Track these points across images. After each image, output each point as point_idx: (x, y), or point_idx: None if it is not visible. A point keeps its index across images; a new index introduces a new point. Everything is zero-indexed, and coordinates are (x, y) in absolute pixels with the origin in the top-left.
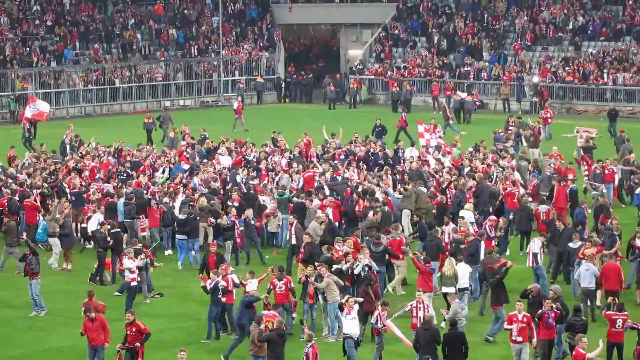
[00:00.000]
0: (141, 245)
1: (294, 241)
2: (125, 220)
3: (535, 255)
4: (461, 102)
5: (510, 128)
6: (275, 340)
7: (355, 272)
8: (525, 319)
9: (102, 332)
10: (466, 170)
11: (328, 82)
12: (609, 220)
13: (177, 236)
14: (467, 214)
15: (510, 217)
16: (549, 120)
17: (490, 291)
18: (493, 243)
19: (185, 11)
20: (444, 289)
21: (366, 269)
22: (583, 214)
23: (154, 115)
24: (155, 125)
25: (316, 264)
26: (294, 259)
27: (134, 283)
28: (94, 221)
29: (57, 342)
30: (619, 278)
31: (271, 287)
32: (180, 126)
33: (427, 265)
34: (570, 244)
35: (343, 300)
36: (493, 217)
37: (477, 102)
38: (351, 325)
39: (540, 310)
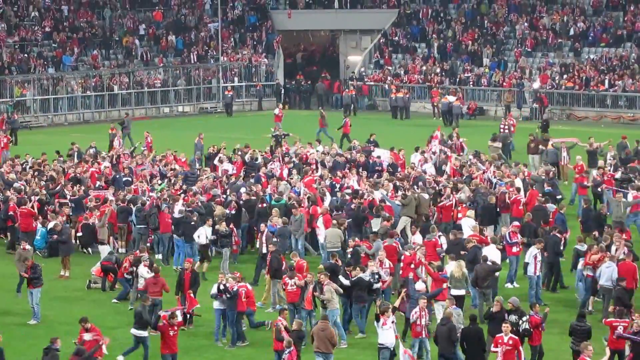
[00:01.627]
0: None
1: (264, 250)
2: (138, 226)
3: (526, 264)
4: (449, 105)
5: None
6: (294, 341)
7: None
8: (511, 342)
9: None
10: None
11: (321, 87)
12: (623, 233)
13: (175, 237)
14: (468, 221)
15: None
16: (512, 129)
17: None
18: (514, 249)
19: (184, 17)
20: (453, 292)
21: (376, 277)
22: (562, 219)
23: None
24: (118, 135)
25: (319, 273)
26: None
27: None
28: (202, 234)
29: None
30: (634, 277)
31: (283, 286)
32: (143, 133)
33: (440, 273)
34: (577, 246)
35: (379, 311)
36: (517, 223)
37: (462, 105)
38: (387, 335)
39: (539, 319)
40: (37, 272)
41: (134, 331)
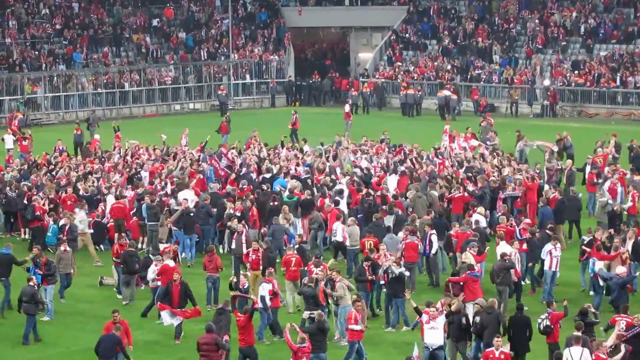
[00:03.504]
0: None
1: (243, 250)
2: (148, 222)
3: (542, 260)
4: (445, 99)
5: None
6: (314, 332)
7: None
8: (502, 356)
9: (125, 337)
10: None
11: (327, 84)
12: None
13: (173, 228)
14: (479, 217)
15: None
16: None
17: None
18: (524, 246)
19: (195, 14)
20: None
21: (395, 272)
22: (549, 211)
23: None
24: (84, 137)
25: (329, 270)
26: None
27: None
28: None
29: (67, 346)
30: None
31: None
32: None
33: (469, 272)
34: (584, 237)
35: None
36: (528, 220)
37: (458, 99)
38: (429, 335)
39: (560, 314)
40: (51, 269)
41: (306, 314)
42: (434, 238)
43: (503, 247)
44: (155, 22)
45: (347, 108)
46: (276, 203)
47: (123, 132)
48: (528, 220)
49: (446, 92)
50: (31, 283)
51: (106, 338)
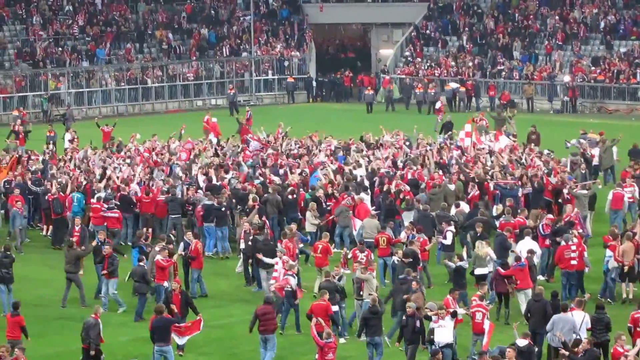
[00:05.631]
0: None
1: (242, 246)
2: (172, 216)
3: None
4: (453, 92)
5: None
6: (368, 317)
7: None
8: None
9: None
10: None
11: (339, 81)
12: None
13: (205, 224)
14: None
15: None
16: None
17: None
18: (547, 242)
19: (213, 11)
20: (477, 271)
21: (452, 266)
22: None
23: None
24: (57, 136)
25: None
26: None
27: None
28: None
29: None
30: None
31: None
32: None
33: (515, 263)
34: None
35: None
36: (550, 216)
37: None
38: (438, 333)
39: None
40: (114, 264)
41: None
42: (449, 235)
43: (527, 243)
44: (182, 14)
45: (438, 104)
46: (295, 196)
47: (147, 127)
48: (550, 216)
49: (453, 85)
50: (141, 263)
51: (159, 322)
